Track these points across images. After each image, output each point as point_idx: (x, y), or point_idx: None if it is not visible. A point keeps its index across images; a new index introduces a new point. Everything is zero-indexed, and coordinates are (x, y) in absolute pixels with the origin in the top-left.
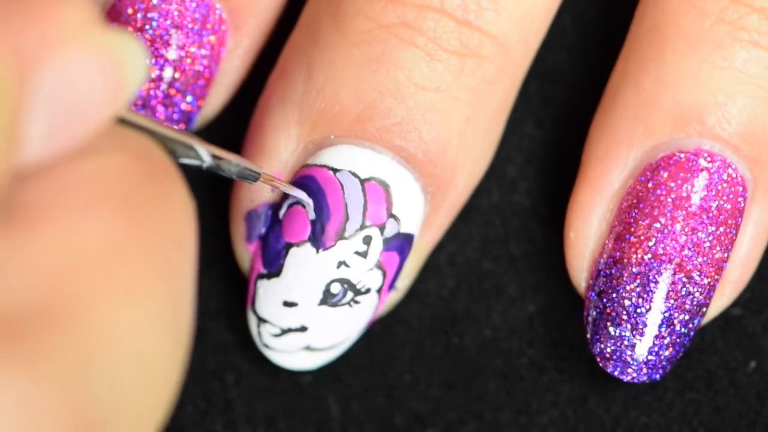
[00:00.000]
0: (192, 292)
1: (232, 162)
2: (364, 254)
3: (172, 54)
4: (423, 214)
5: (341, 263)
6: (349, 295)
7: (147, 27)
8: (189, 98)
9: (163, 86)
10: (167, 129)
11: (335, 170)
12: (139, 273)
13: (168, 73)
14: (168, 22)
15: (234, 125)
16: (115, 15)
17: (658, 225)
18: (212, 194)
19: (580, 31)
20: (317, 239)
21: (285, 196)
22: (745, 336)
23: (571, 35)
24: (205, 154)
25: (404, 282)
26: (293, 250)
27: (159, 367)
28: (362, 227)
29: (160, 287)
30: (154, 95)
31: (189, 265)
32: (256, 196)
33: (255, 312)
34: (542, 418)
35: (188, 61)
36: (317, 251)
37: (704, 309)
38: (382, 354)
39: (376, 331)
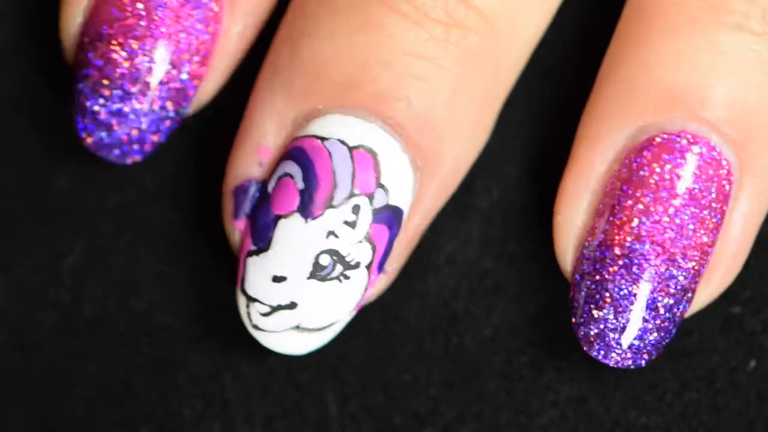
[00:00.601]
0: None
1: None
2: (353, 224)
3: (166, 27)
4: (413, 190)
5: (330, 233)
6: (339, 268)
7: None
8: (184, 74)
9: (158, 60)
10: None
11: (323, 139)
12: None
13: (162, 48)
14: None
15: (239, 114)
16: None
17: (641, 206)
18: (211, 195)
19: (579, 30)
20: (305, 209)
21: (273, 171)
22: (744, 335)
23: (571, 35)
24: None
25: (393, 266)
26: (281, 222)
27: None
28: (351, 195)
29: None
30: (148, 67)
31: None
32: (243, 171)
33: (244, 291)
34: (542, 417)
35: (183, 35)
36: (306, 221)
37: (689, 294)
38: (381, 353)
39: (375, 330)
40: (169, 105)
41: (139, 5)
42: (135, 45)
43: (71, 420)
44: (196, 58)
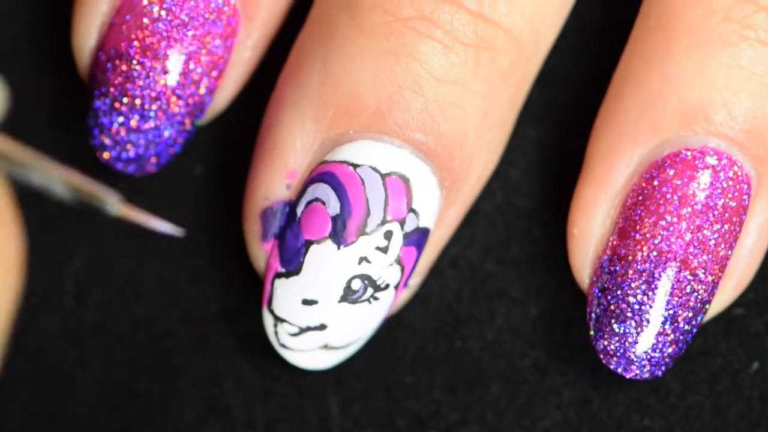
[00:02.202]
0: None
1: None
2: (384, 249)
3: (186, 45)
4: (439, 208)
5: (362, 259)
6: (369, 291)
7: (163, 16)
8: (202, 89)
9: (179, 78)
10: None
11: (355, 165)
12: None
13: (182, 64)
14: (184, 12)
15: (243, 122)
16: (129, 7)
17: (663, 223)
18: (211, 199)
19: (581, 33)
20: (338, 235)
21: (301, 194)
22: (747, 337)
23: (571, 37)
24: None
25: (416, 279)
26: (313, 248)
27: None
28: (383, 222)
29: None
30: (168, 86)
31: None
32: (272, 193)
33: (272, 312)
34: (545, 420)
35: (203, 51)
36: (338, 248)
37: (707, 306)
38: (384, 356)
39: (378, 333)
40: (187, 120)
41: (160, 25)
42: (156, 65)
43: (74, 424)
44: (214, 73)
